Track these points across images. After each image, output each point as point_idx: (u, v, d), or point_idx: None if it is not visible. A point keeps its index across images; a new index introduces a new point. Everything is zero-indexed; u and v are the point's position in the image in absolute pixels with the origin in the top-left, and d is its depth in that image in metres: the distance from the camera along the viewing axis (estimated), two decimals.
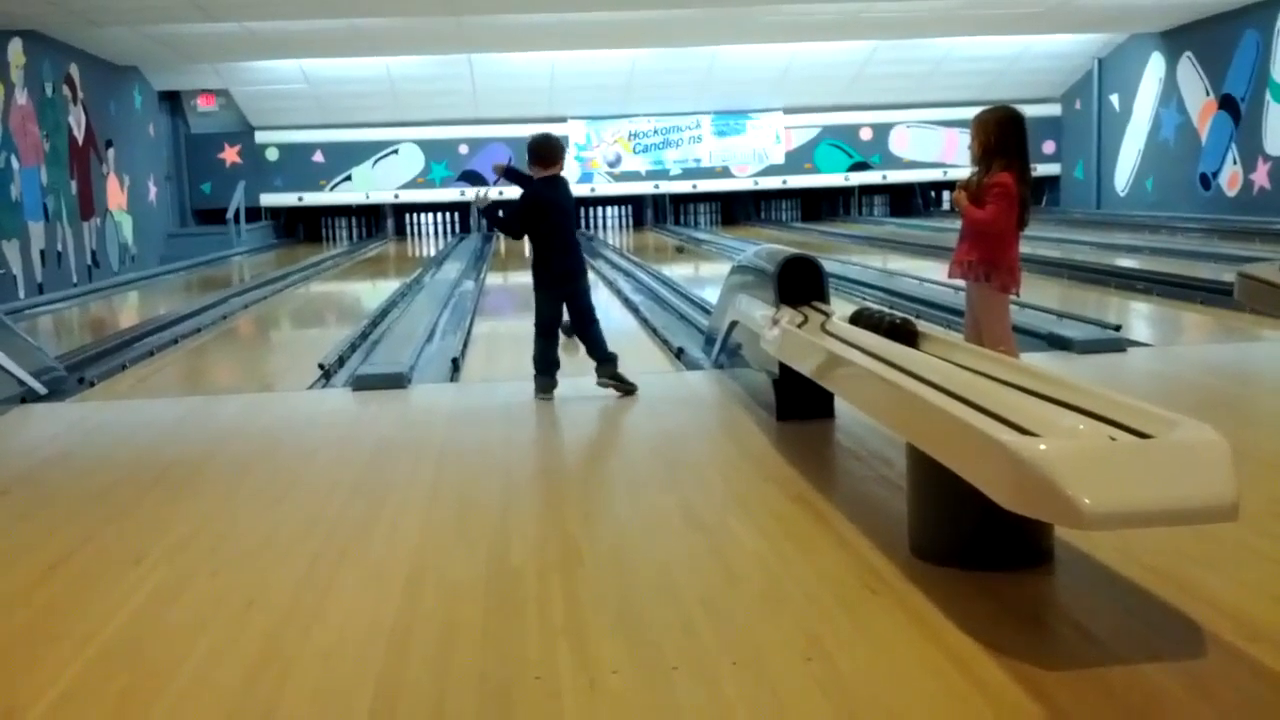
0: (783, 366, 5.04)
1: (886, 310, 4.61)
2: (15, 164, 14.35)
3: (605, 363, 5.95)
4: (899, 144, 24.68)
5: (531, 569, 3.50)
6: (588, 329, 5.97)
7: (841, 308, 5.09)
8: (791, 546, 3.60)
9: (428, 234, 25.28)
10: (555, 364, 5.99)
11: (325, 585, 3.41)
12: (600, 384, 5.92)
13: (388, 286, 14.29)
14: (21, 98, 14.72)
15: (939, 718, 2.49)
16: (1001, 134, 4.75)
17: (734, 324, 6.29)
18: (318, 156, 24.04)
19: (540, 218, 5.86)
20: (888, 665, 2.73)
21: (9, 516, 4.42)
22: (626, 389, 5.95)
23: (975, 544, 3.22)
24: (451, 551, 3.71)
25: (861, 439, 4.84)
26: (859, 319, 4.55)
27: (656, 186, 24.86)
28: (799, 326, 4.86)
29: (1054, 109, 24.56)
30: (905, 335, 4.10)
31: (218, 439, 5.52)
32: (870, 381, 3.63)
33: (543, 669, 2.75)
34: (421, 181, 24.35)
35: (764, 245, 6.83)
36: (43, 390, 6.69)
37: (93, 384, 7.46)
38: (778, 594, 3.20)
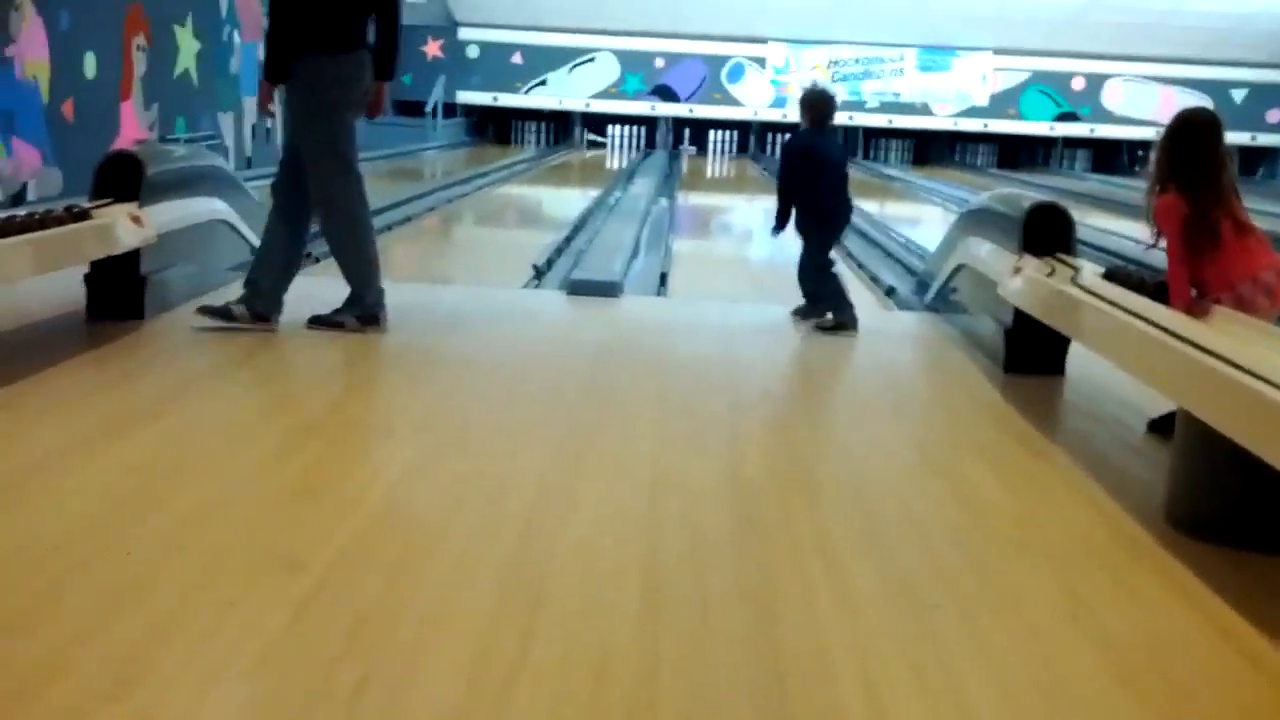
0: (1018, 317, 4.90)
1: (1145, 271, 4.42)
2: (237, 39, 14.84)
3: (814, 303, 5.84)
4: (1112, 98, 23.61)
5: (770, 489, 3.51)
6: (818, 273, 5.85)
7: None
8: (1038, 502, 3.53)
9: (616, 146, 25.32)
10: (825, 296, 5.82)
11: (573, 476, 3.48)
12: (816, 327, 5.79)
13: (578, 195, 14.41)
14: None
15: (1217, 690, 2.43)
16: (1171, 147, 3.81)
17: (959, 268, 6.15)
18: (516, 58, 24.26)
19: (804, 171, 5.81)
20: (1157, 632, 2.66)
21: (251, 379, 4.61)
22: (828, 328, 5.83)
23: (1243, 520, 3.10)
24: (689, 462, 3.71)
25: (1095, 399, 4.70)
26: (1114, 277, 4.38)
27: (851, 118, 24.30)
28: (1047, 277, 4.71)
29: None
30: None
31: (445, 326, 5.62)
32: (1150, 347, 3.48)
33: (800, 587, 2.75)
34: (615, 91, 24.38)
35: (999, 189, 6.64)
36: None
37: (318, 260, 7.69)
38: (1031, 547, 3.14)
